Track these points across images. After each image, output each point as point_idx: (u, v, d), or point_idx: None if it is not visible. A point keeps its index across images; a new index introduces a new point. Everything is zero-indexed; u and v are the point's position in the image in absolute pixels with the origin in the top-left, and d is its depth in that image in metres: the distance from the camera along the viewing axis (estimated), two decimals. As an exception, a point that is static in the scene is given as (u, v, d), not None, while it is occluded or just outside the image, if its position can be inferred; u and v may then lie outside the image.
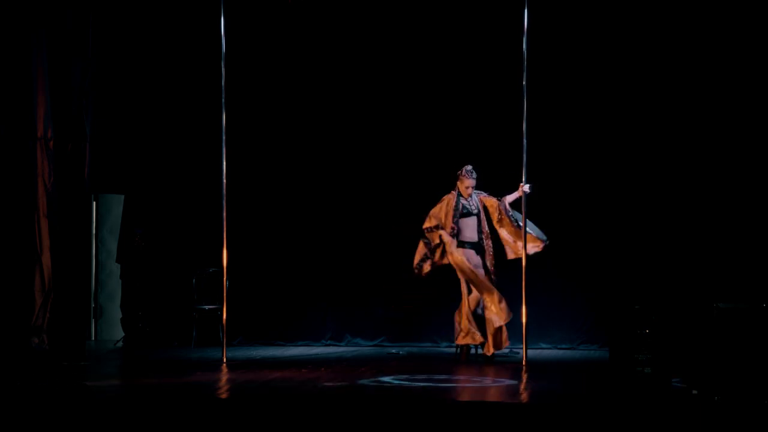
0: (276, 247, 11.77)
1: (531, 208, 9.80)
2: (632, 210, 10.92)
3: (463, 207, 10.00)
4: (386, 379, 8.36)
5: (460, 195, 10.04)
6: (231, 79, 10.05)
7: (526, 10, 9.40)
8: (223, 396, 7.58)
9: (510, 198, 9.97)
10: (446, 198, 10.08)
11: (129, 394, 7.67)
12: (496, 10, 11.05)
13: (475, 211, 10.03)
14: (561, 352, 10.73)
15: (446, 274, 11.43)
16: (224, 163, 9.78)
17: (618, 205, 10.96)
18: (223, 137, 9.78)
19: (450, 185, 10.36)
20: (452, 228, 9.95)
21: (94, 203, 12.59)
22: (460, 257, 9.89)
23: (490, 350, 9.78)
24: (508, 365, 9.46)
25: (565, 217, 10.95)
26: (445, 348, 11.28)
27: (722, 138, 10.71)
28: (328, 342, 11.68)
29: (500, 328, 9.76)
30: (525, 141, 9.53)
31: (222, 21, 9.77)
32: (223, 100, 9.81)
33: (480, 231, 10.03)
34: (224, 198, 9.81)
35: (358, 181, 11.68)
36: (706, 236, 10.62)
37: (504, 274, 10.12)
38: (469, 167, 10.03)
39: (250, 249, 11.55)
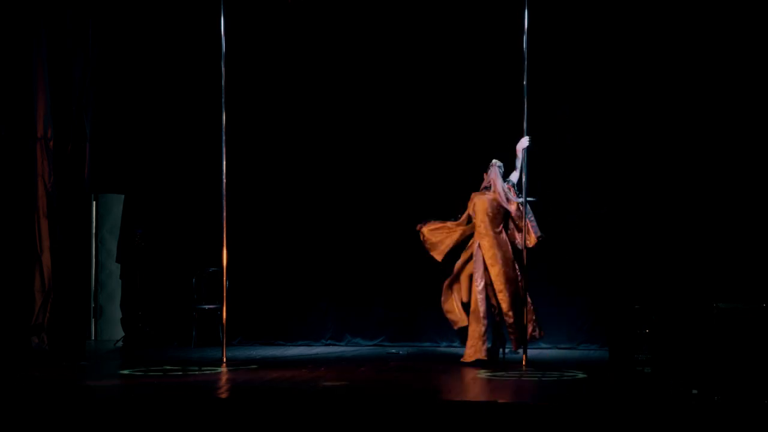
0: (276, 247, 11.77)
1: (531, 205, 9.76)
2: (632, 210, 10.91)
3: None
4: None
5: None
6: (231, 80, 10.04)
7: (526, 10, 9.40)
8: (223, 396, 7.59)
9: (515, 176, 9.83)
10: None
11: (129, 394, 7.67)
12: (496, 10, 11.05)
13: None
14: (561, 352, 10.73)
15: (444, 274, 11.49)
16: (224, 163, 9.78)
17: (617, 205, 10.95)
18: (223, 137, 9.78)
19: (449, 185, 10.36)
20: None
21: (94, 203, 12.59)
22: None
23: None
24: (508, 365, 9.46)
25: (564, 217, 10.94)
26: (444, 348, 11.28)
27: (722, 138, 10.70)
28: (328, 342, 11.68)
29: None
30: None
31: (222, 21, 9.77)
32: (223, 100, 9.80)
33: None
34: (224, 198, 9.80)
35: (358, 181, 11.68)
36: (706, 236, 10.62)
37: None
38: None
39: (250, 249, 11.54)
